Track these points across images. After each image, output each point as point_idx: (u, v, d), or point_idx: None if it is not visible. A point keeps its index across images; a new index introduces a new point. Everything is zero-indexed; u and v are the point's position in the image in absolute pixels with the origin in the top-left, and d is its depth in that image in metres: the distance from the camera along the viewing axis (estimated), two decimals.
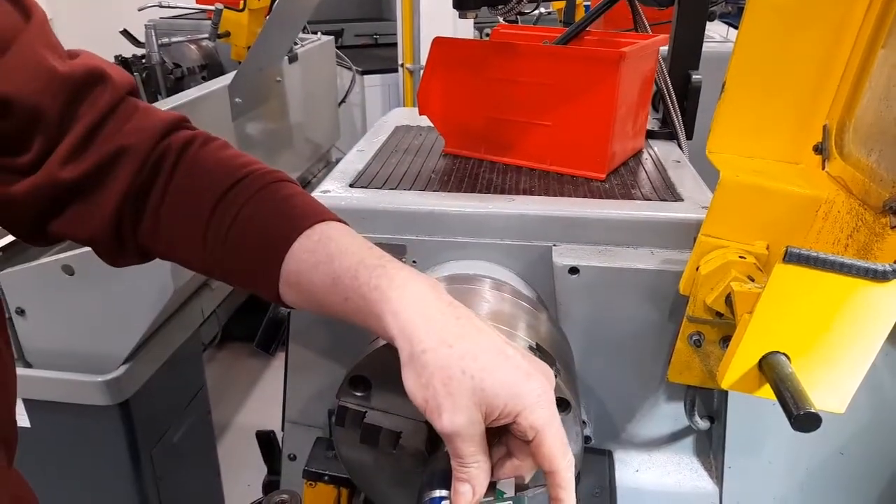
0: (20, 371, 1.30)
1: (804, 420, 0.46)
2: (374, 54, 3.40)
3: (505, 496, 0.48)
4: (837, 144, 0.67)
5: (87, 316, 1.27)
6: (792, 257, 0.48)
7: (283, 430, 0.94)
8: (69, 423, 1.31)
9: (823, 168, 0.68)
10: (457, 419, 0.45)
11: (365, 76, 3.13)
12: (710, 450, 0.86)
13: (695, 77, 1.10)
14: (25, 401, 1.31)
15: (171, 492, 1.46)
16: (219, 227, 0.57)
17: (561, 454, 0.46)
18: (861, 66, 0.65)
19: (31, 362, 1.32)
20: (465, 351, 0.46)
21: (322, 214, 0.57)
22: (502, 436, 0.50)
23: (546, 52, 0.93)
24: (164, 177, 0.58)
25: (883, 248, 0.54)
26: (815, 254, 0.48)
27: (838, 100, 0.67)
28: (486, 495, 0.48)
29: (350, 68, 3.01)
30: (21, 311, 1.27)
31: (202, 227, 0.57)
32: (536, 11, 2.25)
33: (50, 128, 0.53)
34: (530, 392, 0.46)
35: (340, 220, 0.57)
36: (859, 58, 0.65)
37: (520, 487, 0.49)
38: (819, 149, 0.69)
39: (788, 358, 0.52)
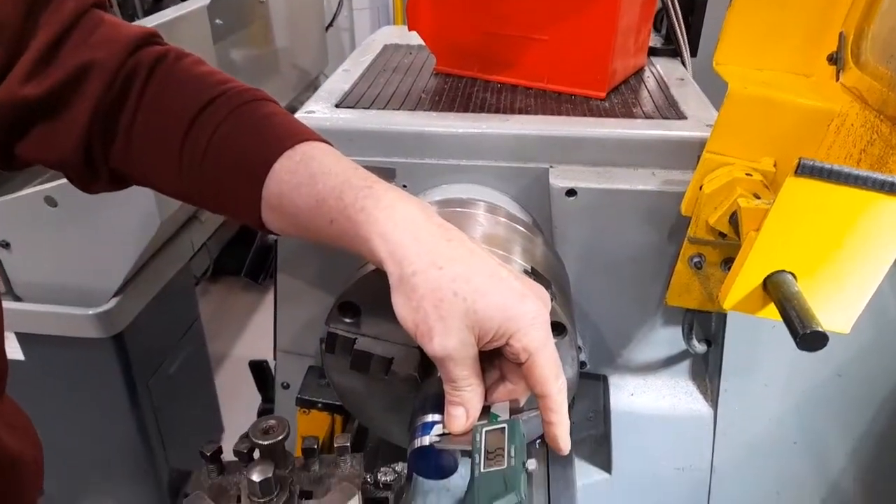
0: (9, 305, 1.29)
1: (810, 339, 0.45)
2: None
3: (499, 419, 0.46)
4: (854, 53, 0.63)
5: (73, 248, 1.24)
6: (805, 169, 0.45)
7: (275, 359, 0.93)
8: (64, 355, 1.31)
9: (837, 79, 0.64)
10: (448, 342, 0.44)
11: None
12: (706, 373, 0.85)
13: None
14: (18, 334, 1.30)
15: (169, 422, 1.48)
16: (194, 148, 0.53)
17: (553, 377, 0.45)
18: None
19: (21, 295, 1.30)
20: (457, 273, 0.44)
21: (305, 134, 0.53)
22: (496, 359, 0.49)
23: None
24: (135, 94, 0.54)
25: None
26: (829, 166, 0.45)
27: (856, 5, 0.63)
28: (479, 419, 0.47)
29: None
30: (6, 244, 1.25)
31: (177, 146, 0.54)
32: None
33: (9, 39, 0.49)
34: (524, 314, 0.44)
35: (325, 141, 0.54)
36: None
37: (514, 411, 0.48)
38: (833, 59, 0.65)
39: (794, 277, 0.50)
